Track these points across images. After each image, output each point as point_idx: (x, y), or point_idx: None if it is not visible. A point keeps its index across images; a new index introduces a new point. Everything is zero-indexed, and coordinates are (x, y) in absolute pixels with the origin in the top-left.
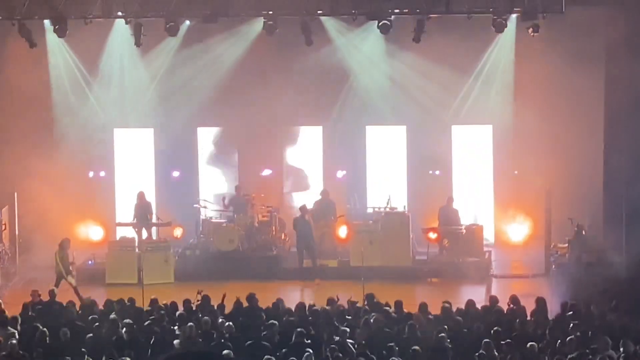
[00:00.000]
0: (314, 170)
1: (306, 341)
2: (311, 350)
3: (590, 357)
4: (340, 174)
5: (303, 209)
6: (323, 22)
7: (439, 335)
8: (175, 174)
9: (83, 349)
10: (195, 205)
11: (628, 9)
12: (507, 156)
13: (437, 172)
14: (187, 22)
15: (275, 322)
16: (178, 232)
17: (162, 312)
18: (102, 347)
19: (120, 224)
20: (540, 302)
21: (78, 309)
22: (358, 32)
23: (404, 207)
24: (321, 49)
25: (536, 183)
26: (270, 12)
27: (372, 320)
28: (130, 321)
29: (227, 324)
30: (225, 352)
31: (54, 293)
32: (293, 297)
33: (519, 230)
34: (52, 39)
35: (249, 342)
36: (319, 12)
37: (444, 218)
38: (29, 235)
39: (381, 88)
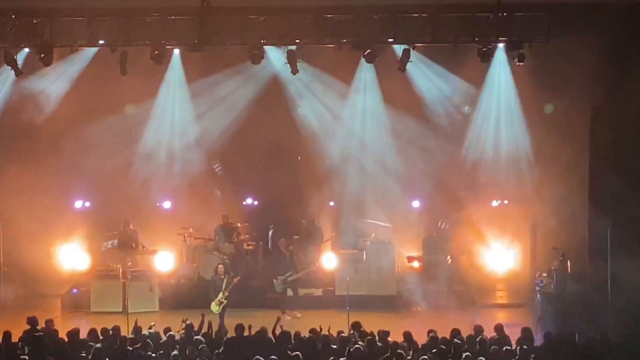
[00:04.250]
0: None
1: None
2: None
3: None
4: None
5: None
6: None
7: None
8: (165, 204)
9: None
10: (179, 234)
11: (614, 38)
12: (492, 185)
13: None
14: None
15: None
16: (163, 260)
17: (147, 340)
18: None
19: (105, 253)
20: (526, 332)
21: (66, 337)
22: None
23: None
24: None
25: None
26: (263, 41)
27: (356, 350)
28: (114, 349)
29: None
30: None
31: (35, 321)
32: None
33: (504, 259)
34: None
35: None
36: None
37: (428, 247)
38: (13, 266)
39: None
